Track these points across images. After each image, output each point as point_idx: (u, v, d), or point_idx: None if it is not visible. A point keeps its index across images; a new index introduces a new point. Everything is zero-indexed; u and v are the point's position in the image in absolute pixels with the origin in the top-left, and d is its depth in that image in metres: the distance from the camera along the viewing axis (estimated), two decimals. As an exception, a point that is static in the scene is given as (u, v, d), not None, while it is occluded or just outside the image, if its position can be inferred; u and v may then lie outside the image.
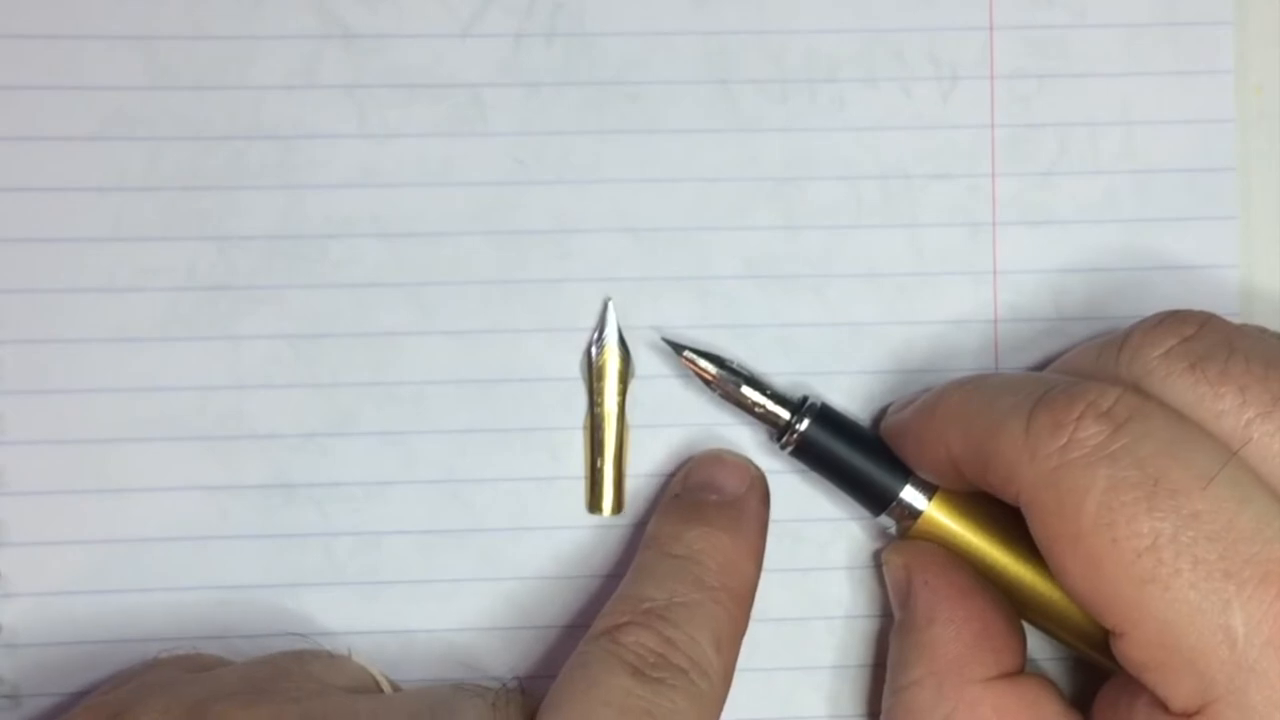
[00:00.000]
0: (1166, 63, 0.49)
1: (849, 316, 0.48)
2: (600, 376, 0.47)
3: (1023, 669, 0.44)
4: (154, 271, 0.47)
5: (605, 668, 0.41)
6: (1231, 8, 0.49)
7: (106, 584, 0.47)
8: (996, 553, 0.44)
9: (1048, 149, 0.48)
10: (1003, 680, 0.43)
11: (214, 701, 0.40)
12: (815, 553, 0.48)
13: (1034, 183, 0.48)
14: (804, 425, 0.45)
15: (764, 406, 0.45)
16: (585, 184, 0.48)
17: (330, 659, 0.44)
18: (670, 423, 0.48)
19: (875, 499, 0.45)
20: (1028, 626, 0.45)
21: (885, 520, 0.45)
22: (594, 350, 0.47)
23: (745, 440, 0.47)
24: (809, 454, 0.45)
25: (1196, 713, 0.38)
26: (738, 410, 0.46)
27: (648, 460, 0.48)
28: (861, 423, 0.47)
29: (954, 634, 0.43)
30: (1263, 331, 0.42)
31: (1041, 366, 0.47)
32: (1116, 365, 0.41)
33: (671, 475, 0.48)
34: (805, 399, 0.46)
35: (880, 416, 0.47)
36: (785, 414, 0.45)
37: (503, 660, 0.47)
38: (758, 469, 0.47)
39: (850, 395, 0.48)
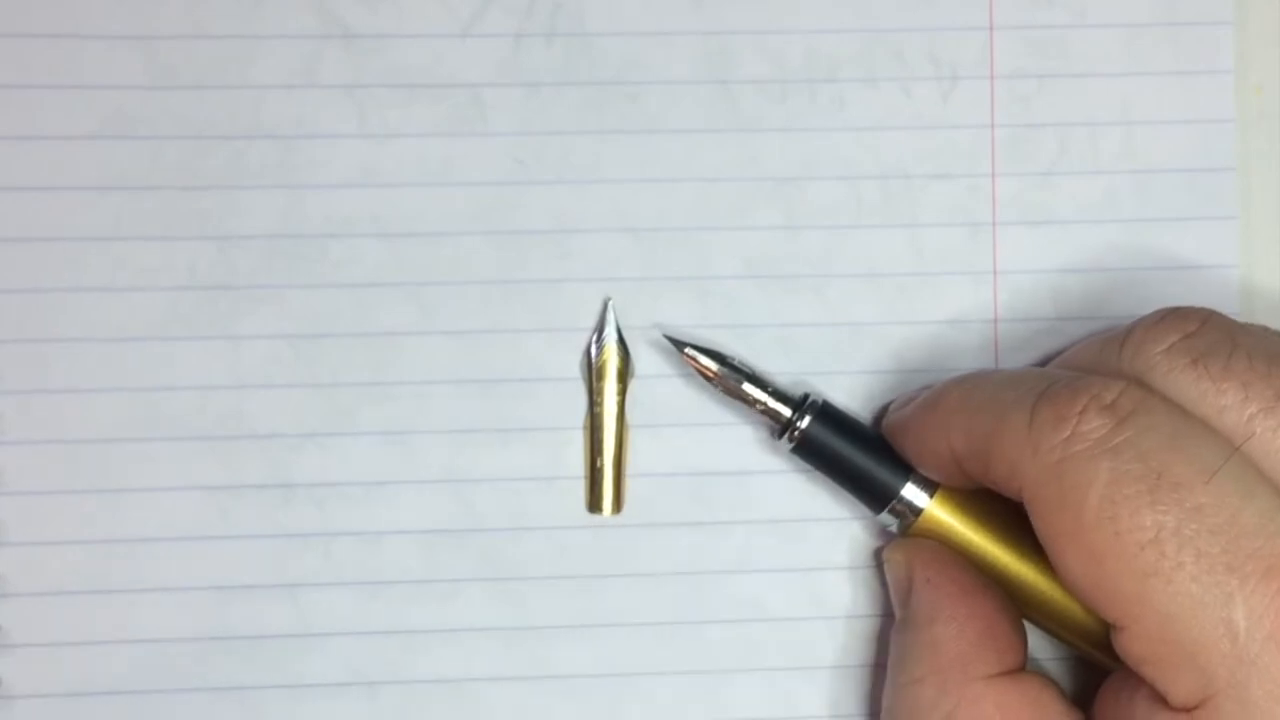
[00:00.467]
0: (1166, 63, 0.49)
1: (849, 316, 0.48)
2: (600, 376, 0.47)
3: (1024, 667, 0.44)
4: (154, 271, 0.47)
5: None
6: (1231, 8, 0.49)
7: (106, 584, 0.46)
8: (998, 550, 0.44)
9: (1048, 149, 0.48)
10: (1005, 678, 0.43)
11: None
12: (816, 552, 0.48)
13: (1034, 183, 0.48)
14: (805, 422, 0.45)
15: (765, 403, 0.45)
16: (585, 184, 0.48)
17: None
18: (670, 422, 0.48)
19: (876, 496, 0.45)
20: (1028, 625, 0.44)
21: (886, 518, 0.45)
22: (594, 350, 0.47)
23: (746, 439, 0.47)
24: (810, 451, 0.45)
25: (1197, 707, 0.38)
26: (738, 408, 0.46)
27: (648, 460, 0.48)
28: (862, 421, 0.47)
29: (956, 631, 0.43)
30: (1265, 329, 0.42)
31: (1041, 365, 0.47)
32: (1119, 361, 0.41)
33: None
34: (807, 396, 0.46)
35: (881, 415, 0.47)
36: (787, 411, 0.45)
37: (502, 661, 0.47)
38: None
39: (850, 395, 0.48)
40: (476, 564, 0.47)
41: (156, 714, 0.46)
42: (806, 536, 0.48)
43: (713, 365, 0.46)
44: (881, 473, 0.45)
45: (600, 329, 0.47)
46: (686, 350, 0.46)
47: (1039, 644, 0.46)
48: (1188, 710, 0.38)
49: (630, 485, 0.47)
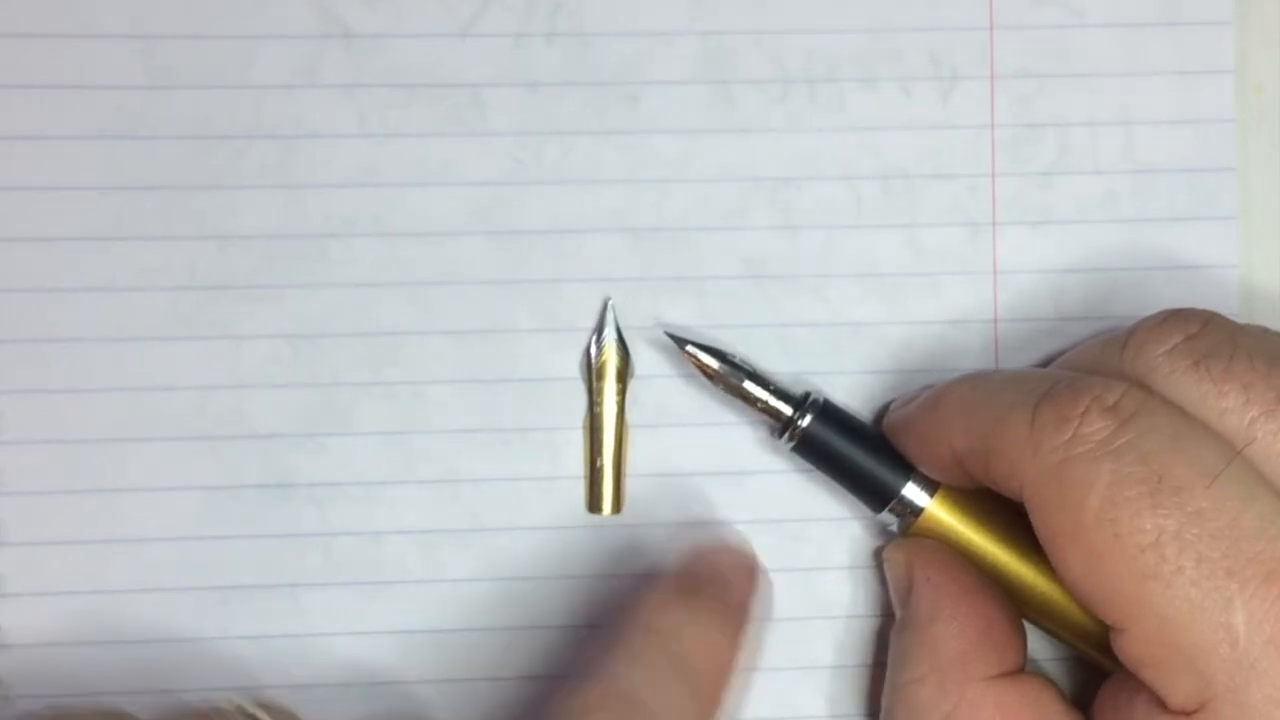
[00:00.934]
0: (1166, 63, 0.49)
1: (849, 316, 0.48)
2: (600, 376, 0.47)
3: (1024, 667, 0.44)
4: (154, 271, 0.47)
5: None
6: (1231, 8, 0.49)
7: (105, 584, 0.46)
8: (998, 551, 0.44)
9: (1048, 149, 0.48)
10: (1005, 678, 0.43)
11: None
12: (816, 552, 0.48)
13: (1034, 183, 0.48)
14: (806, 421, 0.45)
15: (766, 402, 0.45)
16: (585, 184, 0.48)
17: None
18: (670, 422, 0.48)
19: (877, 496, 0.45)
20: (1028, 626, 0.44)
21: (887, 517, 0.45)
22: (594, 350, 0.47)
23: (746, 439, 0.47)
24: (811, 450, 0.45)
25: (1196, 710, 0.38)
26: (738, 407, 0.46)
27: (648, 460, 0.48)
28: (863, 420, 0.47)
29: (956, 631, 0.43)
30: (1266, 331, 0.42)
31: (1042, 366, 0.47)
32: (1120, 362, 0.41)
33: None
34: (808, 395, 0.46)
35: (882, 414, 0.47)
36: (788, 409, 0.45)
37: (503, 660, 0.47)
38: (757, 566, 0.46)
39: (850, 395, 0.48)
40: (476, 564, 0.47)
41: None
42: (806, 536, 0.48)
43: (714, 363, 0.46)
44: (882, 472, 0.45)
45: (600, 329, 0.47)
46: (688, 348, 0.46)
47: (1039, 644, 0.46)
48: (1187, 714, 0.38)
49: (630, 485, 0.47)
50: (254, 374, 0.47)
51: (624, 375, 0.47)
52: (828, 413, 0.45)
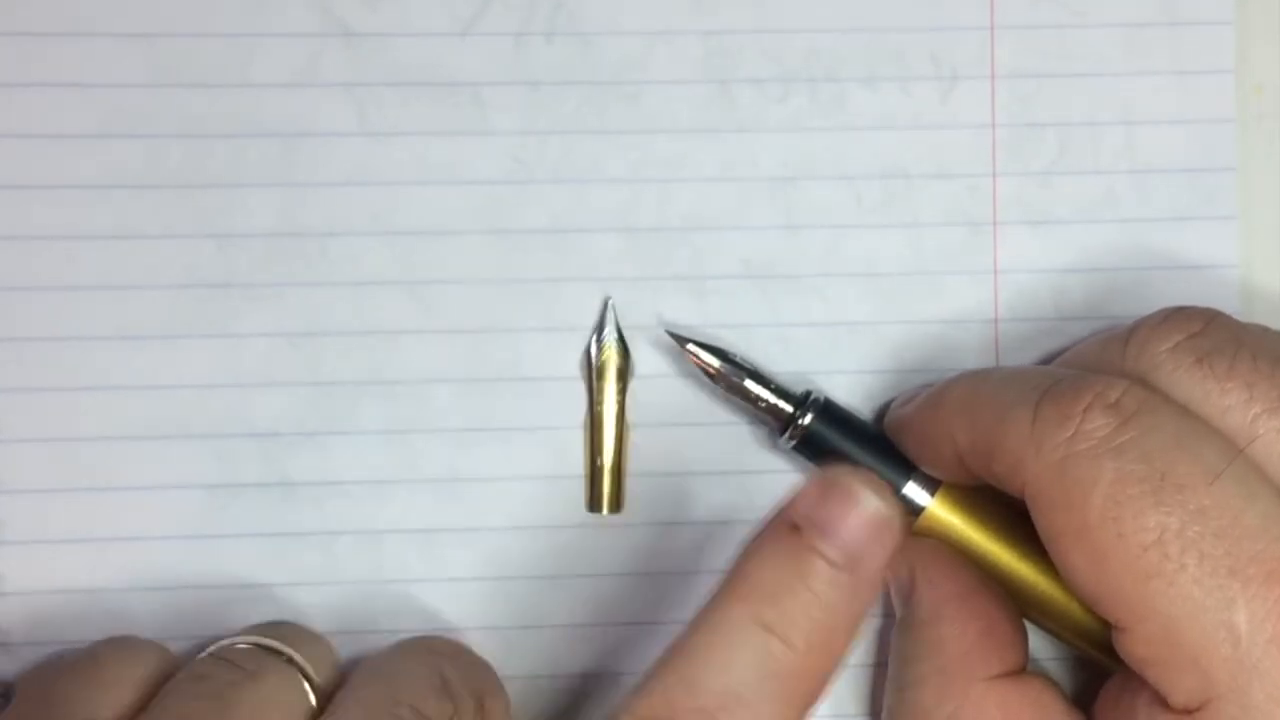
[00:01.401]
0: (1166, 63, 0.49)
1: (849, 316, 0.48)
2: (600, 375, 0.47)
3: (1025, 667, 0.44)
4: (154, 270, 0.47)
5: None
6: (1231, 8, 0.49)
7: (105, 583, 0.46)
8: (999, 550, 0.44)
9: (1048, 149, 0.48)
10: (1007, 678, 0.43)
11: None
12: (815, 552, 0.48)
13: (1034, 183, 0.48)
14: (807, 419, 0.45)
15: (767, 400, 0.45)
16: (585, 184, 0.48)
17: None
18: (670, 422, 0.48)
19: (878, 494, 0.45)
20: (1029, 626, 0.44)
21: (888, 517, 0.45)
22: (594, 349, 0.47)
23: (746, 439, 0.47)
24: (812, 449, 0.45)
25: (1198, 709, 0.38)
26: (739, 406, 0.46)
27: (648, 460, 0.48)
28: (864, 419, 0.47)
29: (959, 631, 0.43)
30: (1267, 329, 0.42)
31: (1043, 365, 0.47)
32: (1122, 359, 0.41)
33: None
34: (809, 393, 0.46)
35: (883, 414, 0.47)
36: (789, 408, 0.45)
37: (503, 660, 0.47)
38: (892, 506, 0.40)
39: (850, 395, 0.48)
40: (476, 564, 0.47)
41: (156, 713, 0.46)
42: (807, 536, 0.47)
43: (715, 362, 0.46)
44: (883, 471, 0.45)
45: (600, 329, 0.47)
46: (688, 346, 0.46)
47: (1039, 644, 0.46)
48: (1189, 713, 0.38)
49: (630, 485, 0.47)
50: (254, 373, 0.47)
51: (624, 375, 0.47)
52: (829, 411, 0.45)
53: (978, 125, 0.48)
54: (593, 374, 0.47)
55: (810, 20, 0.48)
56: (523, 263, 0.47)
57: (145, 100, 0.47)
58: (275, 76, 0.47)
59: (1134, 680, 0.40)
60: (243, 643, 0.43)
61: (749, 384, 0.45)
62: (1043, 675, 0.44)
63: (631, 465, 0.48)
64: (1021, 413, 0.40)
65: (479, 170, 0.48)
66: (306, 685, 0.42)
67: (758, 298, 0.48)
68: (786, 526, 0.39)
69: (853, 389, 0.48)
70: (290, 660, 0.42)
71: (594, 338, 0.47)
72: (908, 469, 0.45)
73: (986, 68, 0.48)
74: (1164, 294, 0.48)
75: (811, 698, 0.39)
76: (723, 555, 0.47)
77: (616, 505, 0.47)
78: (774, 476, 0.47)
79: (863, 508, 0.39)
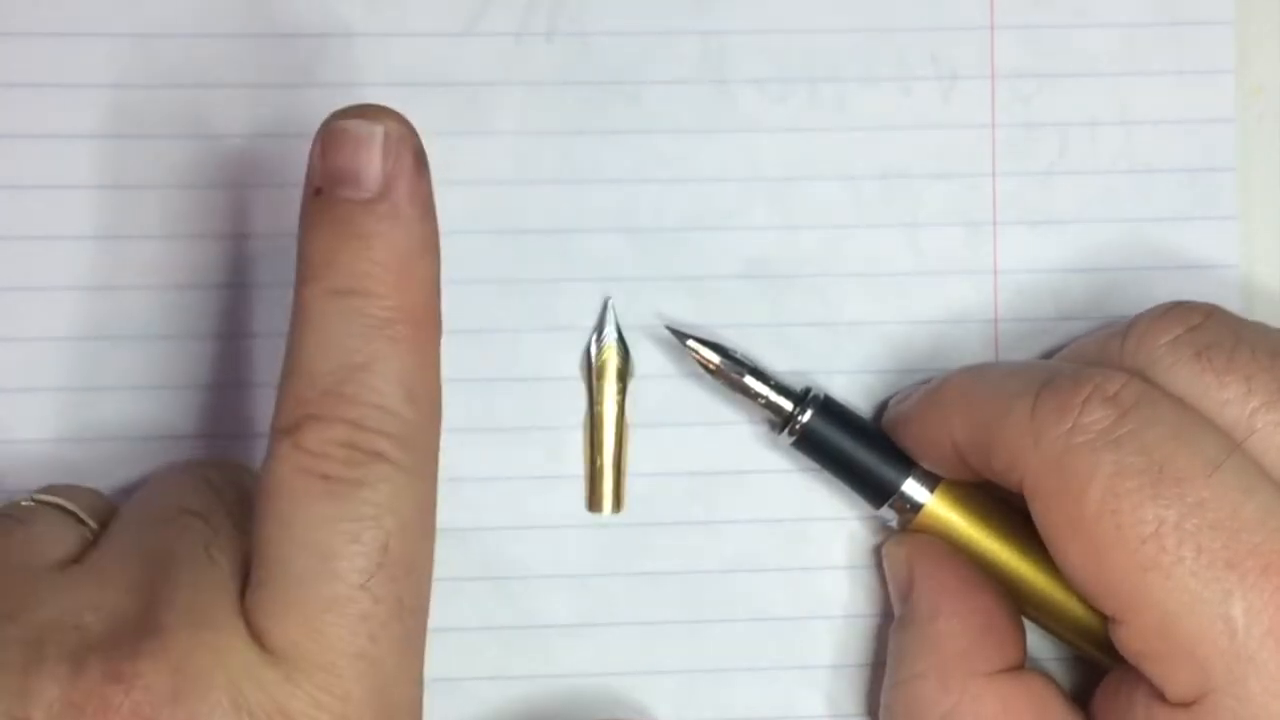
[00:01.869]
0: (1166, 63, 0.49)
1: (849, 316, 0.48)
2: (600, 375, 0.47)
3: (1024, 664, 0.44)
4: (154, 270, 0.47)
5: (297, 499, 0.37)
6: (1231, 8, 0.49)
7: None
8: (998, 547, 0.44)
9: (1048, 149, 0.48)
10: (1006, 674, 0.43)
11: None
12: (816, 552, 0.48)
13: (1034, 183, 0.48)
14: (807, 416, 0.45)
15: (767, 397, 0.45)
16: (585, 183, 0.48)
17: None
18: (670, 421, 0.48)
19: (877, 491, 0.45)
20: (1027, 624, 0.44)
21: (887, 513, 0.45)
22: (594, 349, 0.47)
23: (746, 438, 0.47)
24: (811, 445, 0.45)
25: (1195, 702, 0.38)
26: (739, 403, 0.46)
27: (648, 460, 0.47)
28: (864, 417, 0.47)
29: (958, 627, 0.43)
30: (1266, 325, 0.42)
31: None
32: (1121, 353, 0.42)
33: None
34: (808, 390, 0.46)
35: (882, 412, 0.47)
36: (788, 405, 0.45)
37: (503, 660, 0.47)
38: (396, 121, 0.40)
39: (850, 394, 0.48)
40: (476, 564, 0.47)
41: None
42: (806, 536, 0.47)
43: (715, 358, 0.46)
44: (883, 467, 0.45)
45: (600, 328, 0.47)
46: (689, 342, 0.46)
47: (1038, 644, 0.46)
48: (1186, 706, 0.38)
49: (630, 484, 0.47)
50: (254, 373, 0.47)
51: (624, 375, 0.47)
52: (828, 408, 0.45)
53: (978, 125, 0.48)
54: (593, 374, 0.47)
55: (810, 20, 0.48)
56: (523, 263, 0.47)
57: (145, 100, 0.47)
58: (275, 77, 0.47)
59: (1131, 675, 0.40)
60: (24, 500, 0.43)
61: (749, 380, 0.45)
62: (1041, 672, 0.44)
63: (631, 465, 0.47)
64: (1020, 406, 0.40)
65: (479, 170, 0.48)
66: (77, 521, 0.42)
67: (758, 298, 0.48)
68: (312, 194, 0.39)
69: (852, 388, 0.48)
70: (60, 507, 0.42)
71: (594, 338, 0.47)
72: (907, 466, 0.45)
73: (986, 68, 0.48)
74: (1164, 294, 0.47)
75: (432, 343, 0.40)
76: (723, 555, 0.47)
77: (617, 505, 0.47)
78: (774, 476, 0.47)
79: (361, 137, 0.39)
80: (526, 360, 0.47)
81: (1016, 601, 0.44)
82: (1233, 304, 0.47)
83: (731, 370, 0.45)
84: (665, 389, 0.48)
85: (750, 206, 0.48)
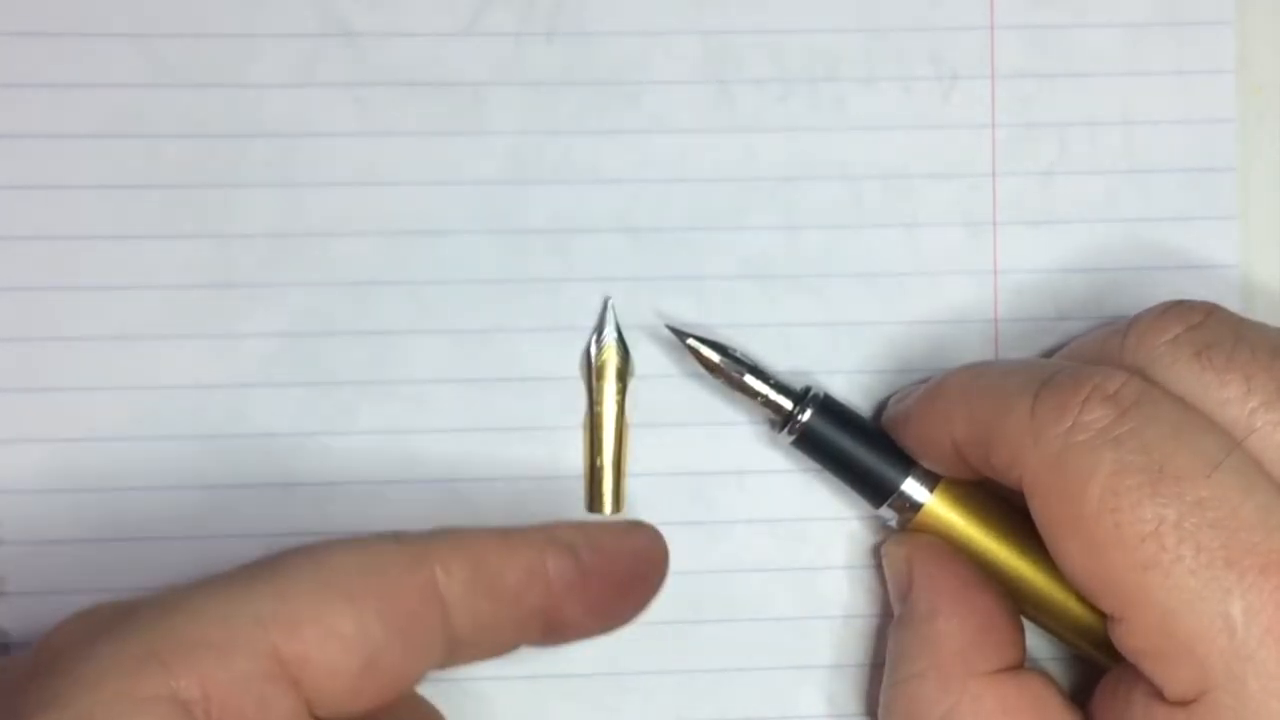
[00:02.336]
0: (1166, 63, 0.49)
1: (848, 316, 0.48)
2: (600, 375, 0.47)
3: (1023, 663, 0.44)
4: (154, 270, 0.47)
5: None
6: (1231, 8, 0.49)
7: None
8: (997, 547, 0.44)
9: (1048, 149, 0.48)
10: (1005, 673, 0.43)
11: None
12: (815, 552, 0.48)
13: (1034, 183, 0.48)
14: (807, 415, 0.45)
15: (767, 396, 0.45)
16: (585, 184, 0.48)
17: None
18: (670, 422, 0.48)
19: (877, 491, 0.45)
20: (1026, 624, 0.44)
21: (886, 513, 0.45)
22: (593, 349, 0.47)
23: (745, 438, 0.47)
24: (811, 445, 0.45)
25: (1194, 701, 0.38)
26: (737, 404, 0.46)
27: (647, 460, 0.47)
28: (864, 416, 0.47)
29: (957, 627, 0.43)
30: (1266, 324, 0.42)
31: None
32: (1121, 352, 0.41)
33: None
34: (808, 389, 0.46)
35: (881, 412, 0.47)
36: (788, 404, 0.45)
37: (503, 661, 0.47)
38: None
39: (850, 394, 0.48)
40: (476, 564, 0.47)
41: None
42: (806, 536, 0.47)
43: (715, 356, 0.46)
44: (882, 467, 0.45)
45: (600, 329, 0.47)
46: (689, 341, 0.46)
47: (1037, 643, 0.46)
48: (1184, 704, 0.38)
49: (630, 485, 0.47)
50: (254, 373, 0.47)
51: (624, 375, 0.47)
52: (828, 407, 0.45)
53: (978, 125, 0.48)
54: (592, 374, 0.47)
55: (810, 20, 0.48)
56: (523, 263, 0.47)
57: (145, 100, 0.47)
58: (275, 76, 0.47)
59: (1130, 674, 0.40)
60: None
61: (749, 379, 0.45)
62: (1041, 671, 0.43)
63: (631, 465, 0.47)
64: (1020, 404, 0.40)
65: (479, 170, 0.48)
66: None
67: (758, 298, 0.48)
68: None
69: (852, 389, 0.48)
70: None
71: (594, 338, 0.47)
72: (907, 465, 0.45)
73: (986, 68, 0.48)
74: (1164, 294, 0.47)
75: None
76: (723, 555, 0.47)
77: (617, 505, 0.47)
78: (774, 476, 0.47)
79: None
80: (526, 360, 0.47)
81: (1016, 601, 0.44)
82: (1232, 304, 0.47)
83: (731, 369, 0.45)
84: (665, 389, 0.48)
85: (750, 206, 0.48)
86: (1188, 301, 0.42)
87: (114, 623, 0.37)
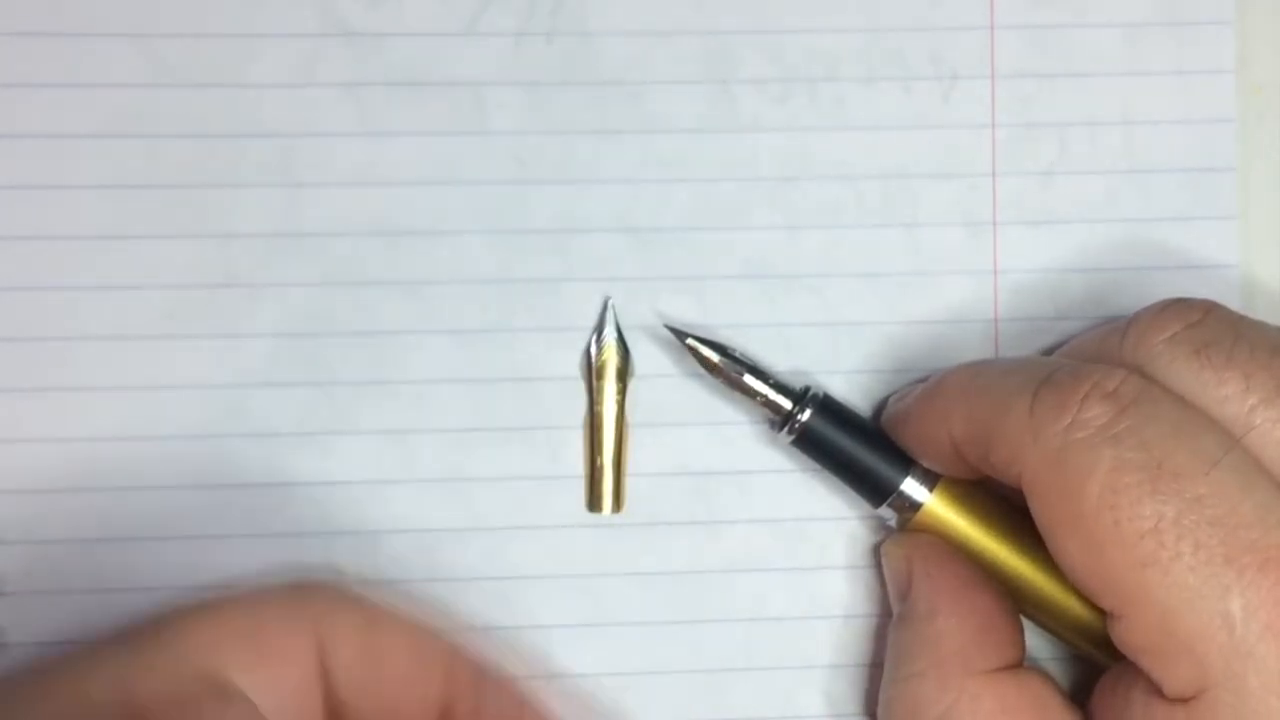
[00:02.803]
0: (1166, 63, 0.49)
1: (848, 316, 0.48)
2: (600, 375, 0.47)
3: (1022, 662, 0.44)
4: (154, 270, 0.47)
5: None
6: (1231, 8, 0.49)
7: (104, 583, 0.46)
8: (997, 546, 0.44)
9: (1048, 149, 0.48)
10: (1004, 672, 0.43)
11: None
12: (815, 552, 0.48)
13: (1034, 183, 0.48)
14: (806, 415, 0.45)
15: (766, 395, 0.45)
16: (585, 184, 0.48)
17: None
18: (670, 422, 0.48)
19: (876, 490, 0.45)
20: (1026, 624, 0.44)
21: (886, 512, 0.45)
22: (594, 349, 0.47)
23: (745, 438, 0.47)
24: (811, 444, 0.45)
25: (1193, 698, 0.38)
26: (737, 404, 0.46)
27: (648, 459, 0.47)
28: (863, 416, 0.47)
29: (957, 626, 0.43)
30: (1264, 322, 0.42)
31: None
32: (1120, 350, 0.42)
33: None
34: (808, 389, 0.46)
35: (881, 411, 0.47)
36: (787, 403, 0.45)
37: (503, 660, 0.47)
38: None
39: (850, 394, 0.48)
40: (476, 564, 0.47)
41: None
42: (805, 536, 0.47)
43: (714, 356, 0.46)
44: (882, 466, 0.45)
45: (600, 328, 0.47)
46: (688, 340, 0.46)
47: (1037, 643, 0.46)
48: (1184, 702, 0.38)
49: (630, 484, 0.47)
50: (254, 373, 0.47)
51: (624, 374, 0.47)
52: (827, 407, 0.45)
53: (978, 125, 0.48)
54: (593, 374, 0.47)
55: (810, 20, 0.48)
56: (523, 263, 0.47)
57: (145, 100, 0.47)
58: (275, 76, 0.47)
59: (1129, 671, 0.40)
60: None
61: (748, 379, 0.45)
62: (1040, 670, 0.43)
63: (631, 465, 0.47)
64: (1019, 401, 0.40)
65: (479, 170, 0.48)
66: None
67: (758, 298, 0.48)
68: None
69: (852, 389, 0.48)
70: None
71: (594, 338, 0.47)
72: (906, 465, 0.45)
73: (986, 68, 0.48)
74: (1164, 294, 0.47)
75: None
76: (723, 555, 0.47)
77: (617, 505, 0.47)
78: (774, 476, 0.47)
79: None
80: (526, 360, 0.47)
81: (1015, 600, 0.44)
82: (1232, 304, 0.46)
83: (731, 369, 0.45)
84: (665, 389, 0.48)
85: (750, 206, 0.48)
86: (1187, 299, 0.42)
87: None
